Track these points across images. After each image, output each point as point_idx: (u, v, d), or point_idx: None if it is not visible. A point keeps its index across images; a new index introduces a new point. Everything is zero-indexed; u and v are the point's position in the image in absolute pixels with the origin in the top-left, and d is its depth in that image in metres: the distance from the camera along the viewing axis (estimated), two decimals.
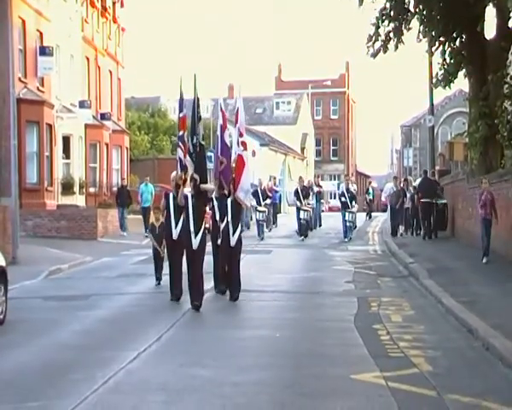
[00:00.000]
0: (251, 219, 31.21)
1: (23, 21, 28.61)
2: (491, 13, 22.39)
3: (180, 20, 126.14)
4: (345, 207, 26.95)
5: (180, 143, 13.61)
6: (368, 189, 41.37)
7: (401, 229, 28.08)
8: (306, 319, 12.31)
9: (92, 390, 7.79)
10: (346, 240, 26.46)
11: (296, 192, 28.36)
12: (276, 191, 34.13)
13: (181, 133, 13.75)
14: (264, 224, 29.04)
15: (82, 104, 33.65)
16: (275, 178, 42.25)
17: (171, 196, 13.94)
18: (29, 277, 17.41)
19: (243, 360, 9.29)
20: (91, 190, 34.88)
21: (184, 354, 9.76)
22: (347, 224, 26.88)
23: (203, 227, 12.77)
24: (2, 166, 25.37)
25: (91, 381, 8.13)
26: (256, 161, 54.50)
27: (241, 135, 14.25)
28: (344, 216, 26.96)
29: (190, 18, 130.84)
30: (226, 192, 13.92)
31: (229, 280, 13.92)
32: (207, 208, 13.96)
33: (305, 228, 27.68)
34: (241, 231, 14.03)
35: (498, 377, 8.34)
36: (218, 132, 14.50)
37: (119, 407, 7.35)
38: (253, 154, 59.53)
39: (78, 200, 32.95)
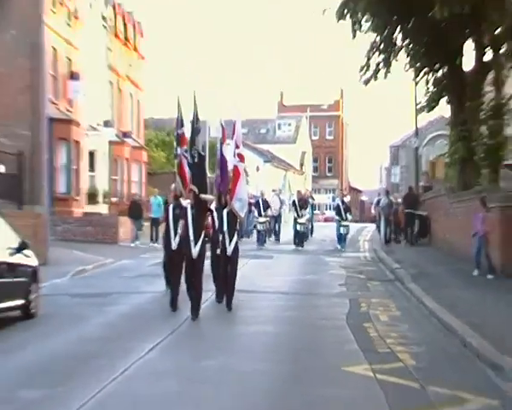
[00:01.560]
0: (254, 228, 30.97)
1: (55, 50, 28.70)
2: (469, 48, 22.52)
3: (195, 52, 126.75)
4: (340, 218, 26.34)
5: (187, 156, 13.03)
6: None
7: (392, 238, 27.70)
8: (304, 317, 12.29)
9: (113, 378, 7.80)
10: (340, 248, 25.92)
11: (293, 203, 27.66)
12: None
13: (185, 148, 13.22)
14: (266, 233, 28.12)
15: (106, 124, 33.76)
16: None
17: (170, 207, 12.88)
18: (58, 276, 17.42)
19: (248, 353, 9.30)
20: (113, 199, 34.88)
21: (195, 347, 9.77)
22: (342, 234, 26.24)
23: (202, 237, 11.85)
24: (36, 177, 25.41)
25: (113, 369, 8.15)
26: (260, 176, 54.56)
27: (237, 147, 13.35)
28: (339, 227, 26.38)
29: (204, 50, 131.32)
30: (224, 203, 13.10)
31: (226, 289, 12.86)
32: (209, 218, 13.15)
33: (300, 238, 26.81)
34: (237, 241, 12.81)
35: (475, 372, 8.33)
36: (218, 145, 14.02)
37: (137, 393, 7.34)
38: (257, 169, 59.55)
39: (102, 208, 32.96)
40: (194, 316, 11.63)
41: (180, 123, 13.56)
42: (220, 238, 12.87)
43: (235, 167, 13.15)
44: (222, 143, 13.76)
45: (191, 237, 11.69)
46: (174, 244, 12.57)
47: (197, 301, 11.75)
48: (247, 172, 14.44)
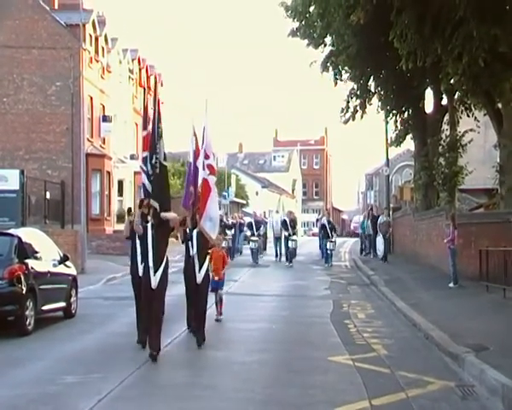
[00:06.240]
0: (245, 244, 28.70)
1: (91, 98, 28.89)
2: (429, 94, 22.78)
3: (202, 94, 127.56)
4: (326, 236, 23.22)
5: (143, 167, 8.84)
6: None
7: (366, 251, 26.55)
8: (295, 315, 12.23)
9: (138, 367, 7.80)
10: (327, 265, 22.50)
11: (284, 222, 23.44)
12: (266, 222, 32.09)
13: (145, 154, 8.91)
14: (258, 251, 23.99)
15: (132, 157, 33.85)
16: (264, 212, 39.39)
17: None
18: (93, 282, 17.44)
19: (248, 346, 9.26)
20: None
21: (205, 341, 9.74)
22: (328, 251, 22.94)
23: (164, 263, 8.35)
24: (74, 201, 25.51)
25: (137, 359, 8.13)
26: (259, 199, 54.60)
27: (207, 157, 9.57)
28: (325, 245, 23.30)
29: (210, 91, 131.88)
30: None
31: (195, 322, 9.47)
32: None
33: (291, 255, 23.07)
34: (208, 267, 9.48)
35: (435, 359, 8.33)
36: (191, 159, 10.09)
37: (157, 379, 7.34)
38: (257, 193, 59.46)
39: None
40: (156, 354, 8.05)
41: (146, 123, 9.71)
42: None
43: (205, 181, 9.45)
44: (196, 156, 10.02)
45: (150, 264, 8.17)
46: (141, 270, 8.61)
47: (157, 341, 8.16)
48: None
